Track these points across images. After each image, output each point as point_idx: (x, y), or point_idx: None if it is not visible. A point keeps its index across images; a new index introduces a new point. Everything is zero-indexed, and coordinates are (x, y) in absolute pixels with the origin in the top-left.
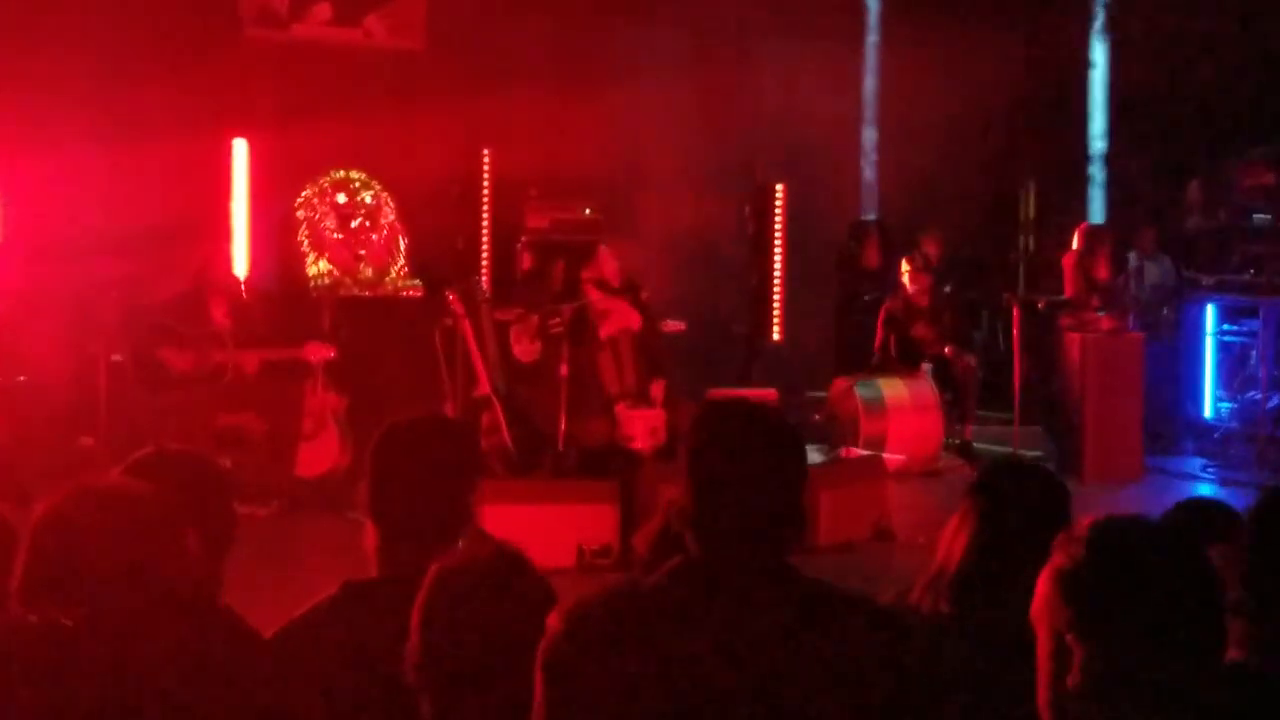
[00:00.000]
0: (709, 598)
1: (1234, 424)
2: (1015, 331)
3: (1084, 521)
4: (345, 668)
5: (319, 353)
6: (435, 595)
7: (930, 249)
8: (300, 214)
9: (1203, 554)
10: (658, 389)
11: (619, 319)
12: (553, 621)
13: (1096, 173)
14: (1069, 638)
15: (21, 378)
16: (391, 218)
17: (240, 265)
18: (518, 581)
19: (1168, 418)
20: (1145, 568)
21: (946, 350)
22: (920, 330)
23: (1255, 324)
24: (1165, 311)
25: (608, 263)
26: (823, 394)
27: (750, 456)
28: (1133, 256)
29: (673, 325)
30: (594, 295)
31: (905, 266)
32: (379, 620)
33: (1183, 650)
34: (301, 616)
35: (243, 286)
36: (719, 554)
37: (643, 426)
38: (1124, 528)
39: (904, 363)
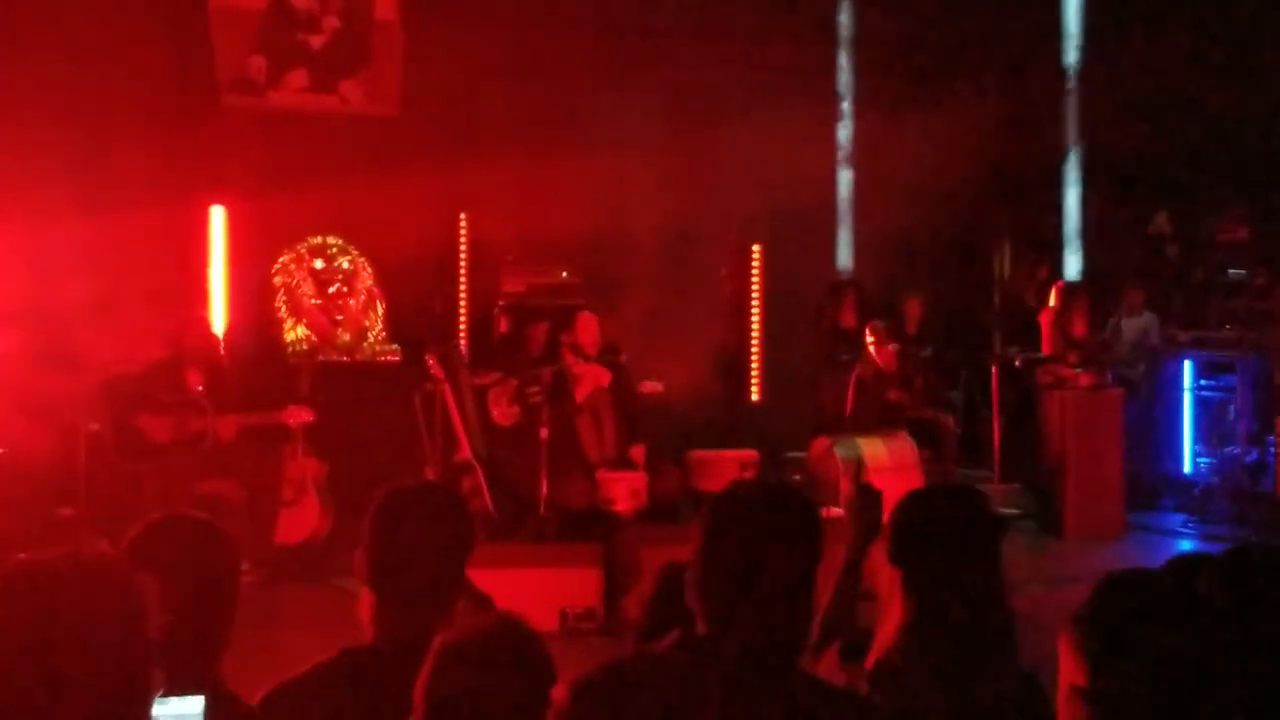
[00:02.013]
0: (715, 673)
1: (1213, 479)
2: (994, 389)
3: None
4: None
5: (299, 416)
6: (441, 669)
7: (912, 311)
8: (277, 280)
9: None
10: (638, 453)
11: (590, 380)
12: (558, 694)
13: (1071, 228)
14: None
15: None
16: (369, 283)
17: (218, 331)
18: (523, 652)
19: (1147, 473)
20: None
21: (923, 413)
22: (894, 395)
23: (1232, 379)
24: (1143, 368)
25: (585, 331)
26: (802, 454)
27: (770, 549)
28: (1114, 317)
29: (651, 386)
30: (569, 359)
31: (869, 337)
32: (377, 688)
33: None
34: (297, 679)
35: (221, 347)
36: (727, 634)
37: (624, 489)
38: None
39: (880, 427)
